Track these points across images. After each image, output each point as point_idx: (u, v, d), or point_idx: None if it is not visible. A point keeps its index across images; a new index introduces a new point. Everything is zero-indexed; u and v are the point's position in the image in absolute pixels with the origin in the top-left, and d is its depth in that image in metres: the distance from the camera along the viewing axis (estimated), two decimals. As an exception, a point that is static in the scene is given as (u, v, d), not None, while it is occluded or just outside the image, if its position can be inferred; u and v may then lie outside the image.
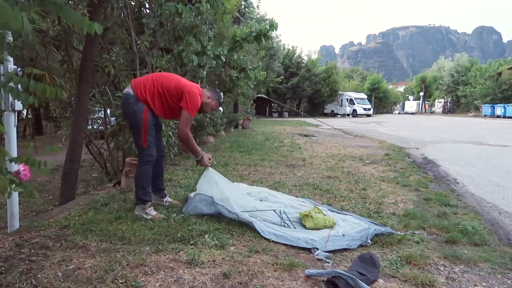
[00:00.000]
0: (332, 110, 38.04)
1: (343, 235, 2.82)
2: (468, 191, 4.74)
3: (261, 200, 3.63)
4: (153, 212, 3.20)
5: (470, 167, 6.51)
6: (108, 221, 2.99)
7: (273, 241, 2.72)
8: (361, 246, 2.71)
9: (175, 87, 3.22)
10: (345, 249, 2.66)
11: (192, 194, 3.51)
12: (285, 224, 3.04)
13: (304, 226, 3.02)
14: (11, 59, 2.75)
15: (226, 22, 6.82)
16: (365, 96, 39.44)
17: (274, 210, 3.25)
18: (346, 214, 3.37)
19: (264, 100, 28.40)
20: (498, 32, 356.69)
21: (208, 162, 3.46)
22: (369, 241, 2.77)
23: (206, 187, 3.37)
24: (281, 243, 2.70)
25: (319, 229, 2.96)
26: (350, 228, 2.98)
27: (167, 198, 3.63)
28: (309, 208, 3.27)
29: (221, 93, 3.72)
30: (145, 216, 3.13)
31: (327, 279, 2.11)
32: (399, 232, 2.97)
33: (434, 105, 49.46)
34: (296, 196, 4.01)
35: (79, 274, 2.05)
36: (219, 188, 3.33)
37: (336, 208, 3.68)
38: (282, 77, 28.53)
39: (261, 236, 2.79)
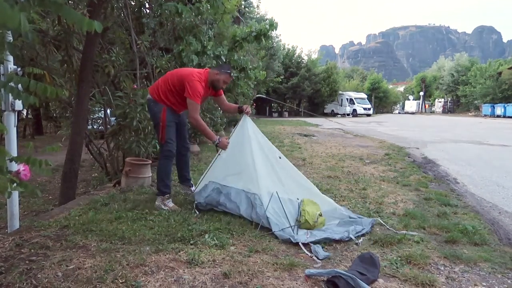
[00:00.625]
0: (332, 110, 38.03)
1: (326, 228, 3.00)
2: (468, 190, 4.74)
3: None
4: (170, 204, 3.45)
5: (470, 166, 6.51)
6: (108, 221, 2.99)
7: (269, 234, 2.73)
8: (341, 240, 2.78)
9: (178, 80, 3.42)
10: (345, 249, 2.66)
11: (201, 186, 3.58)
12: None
13: (299, 222, 3.01)
14: (11, 59, 2.75)
15: (226, 22, 6.83)
16: (365, 96, 39.42)
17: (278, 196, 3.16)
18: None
19: (264, 100, 28.41)
20: (498, 31, 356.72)
21: (227, 144, 3.49)
22: (352, 236, 2.82)
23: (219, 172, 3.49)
24: (280, 243, 2.70)
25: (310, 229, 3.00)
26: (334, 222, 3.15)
27: (195, 187, 3.81)
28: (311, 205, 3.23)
29: (227, 65, 3.80)
30: (163, 207, 3.38)
31: (327, 279, 2.11)
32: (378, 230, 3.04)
33: (434, 105, 49.45)
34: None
35: (79, 274, 2.06)
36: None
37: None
38: (282, 77, 28.54)
39: (260, 235, 2.80)
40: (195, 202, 3.42)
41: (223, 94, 3.78)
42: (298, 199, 3.21)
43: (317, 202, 3.22)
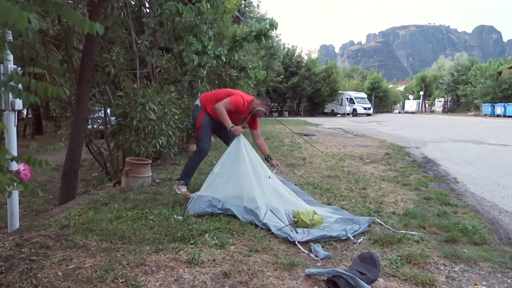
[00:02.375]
0: (332, 110, 38.01)
1: (323, 226, 3.01)
2: (468, 190, 4.74)
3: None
4: (183, 189, 3.85)
5: (470, 166, 6.51)
6: (108, 221, 2.99)
7: (269, 234, 2.73)
8: (338, 237, 2.80)
9: (226, 94, 3.94)
10: (345, 249, 2.66)
11: (195, 195, 3.51)
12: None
13: (295, 222, 3.03)
14: (11, 58, 2.75)
15: (226, 22, 6.82)
16: (365, 96, 39.39)
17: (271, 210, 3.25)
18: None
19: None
20: (498, 31, 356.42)
21: (238, 133, 3.70)
22: (350, 235, 2.82)
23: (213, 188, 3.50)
24: (281, 243, 2.70)
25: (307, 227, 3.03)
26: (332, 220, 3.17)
27: None
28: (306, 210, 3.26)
29: (269, 99, 4.24)
30: (177, 190, 3.85)
31: (327, 278, 2.11)
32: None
33: (434, 104, 49.42)
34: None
35: (79, 274, 2.06)
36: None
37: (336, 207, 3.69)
38: (282, 77, 28.48)
39: (260, 235, 2.80)
40: (188, 210, 3.31)
41: (258, 129, 4.15)
42: (292, 211, 3.25)
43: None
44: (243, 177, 3.48)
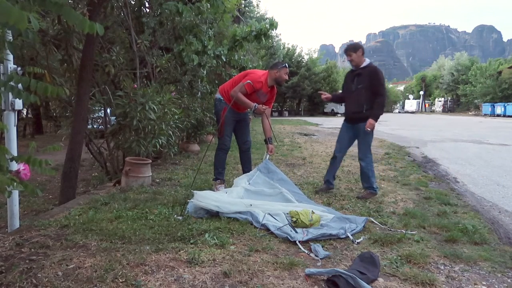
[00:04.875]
0: (332, 109, 38.00)
1: (321, 225, 3.03)
2: (468, 190, 4.74)
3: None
4: (221, 189, 3.92)
5: (470, 166, 6.51)
6: (108, 221, 2.99)
7: (269, 233, 2.73)
8: (337, 236, 2.81)
9: (243, 76, 3.98)
10: (345, 248, 2.66)
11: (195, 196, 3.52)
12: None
13: (294, 222, 3.03)
14: (11, 58, 2.75)
15: (226, 21, 6.82)
16: (365, 95, 39.34)
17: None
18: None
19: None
20: (498, 31, 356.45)
21: (263, 110, 3.92)
22: (349, 234, 2.83)
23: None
24: (281, 242, 2.70)
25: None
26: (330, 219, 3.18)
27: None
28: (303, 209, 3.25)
29: (281, 62, 4.32)
30: (214, 190, 3.89)
31: (327, 278, 2.11)
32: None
33: (434, 104, 49.45)
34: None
35: (79, 273, 2.06)
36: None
37: (335, 207, 3.69)
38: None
39: (260, 235, 2.80)
40: (187, 209, 3.29)
41: (270, 107, 4.24)
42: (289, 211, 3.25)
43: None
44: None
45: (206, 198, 3.26)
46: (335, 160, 4.41)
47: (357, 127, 4.12)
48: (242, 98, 3.87)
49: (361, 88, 4.00)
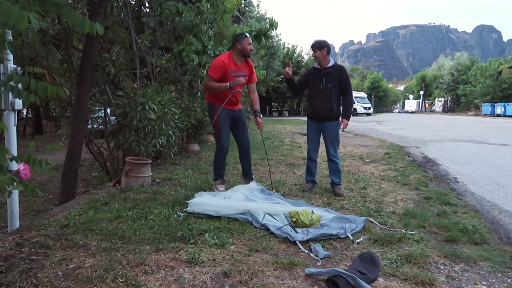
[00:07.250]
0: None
1: (321, 225, 3.03)
2: (468, 190, 4.74)
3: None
4: (221, 188, 4.03)
5: (470, 166, 6.51)
6: (108, 220, 2.99)
7: (269, 233, 2.73)
8: (337, 235, 2.81)
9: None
10: (345, 248, 2.66)
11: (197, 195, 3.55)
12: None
13: (294, 222, 3.03)
14: (11, 58, 2.75)
15: (226, 21, 6.81)
16: (365, 95, 39.36)
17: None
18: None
19: (264, 99, 28.32)
20: (498, 31, 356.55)
21: (241, 82, 3.93)
22: (349, 234, 2.83)
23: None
24: (281, 242, 2.71)
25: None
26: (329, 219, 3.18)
27: (254, 182, 4.25)
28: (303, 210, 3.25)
29: (240, 34, 4.25)
30: (215, 190, 4.00)
31: (327, 278, 2.11)
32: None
33: (434, 104, 49.43)
34: (296, 195, 4.02)
35: (79, 273, 2.06)
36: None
37: (335, 207, 3.69)
38: (282, 76, 28.50)
39: (260, 235, 2.80)
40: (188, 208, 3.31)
41: (254, 83, 4.26)
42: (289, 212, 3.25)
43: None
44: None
45: (204, 205, 3.27)
46: (313, 161, 4.60)
47: (324, 125, 4.32)
48: (213, 84, 3.91)
49: (331, 87, 4.15)
